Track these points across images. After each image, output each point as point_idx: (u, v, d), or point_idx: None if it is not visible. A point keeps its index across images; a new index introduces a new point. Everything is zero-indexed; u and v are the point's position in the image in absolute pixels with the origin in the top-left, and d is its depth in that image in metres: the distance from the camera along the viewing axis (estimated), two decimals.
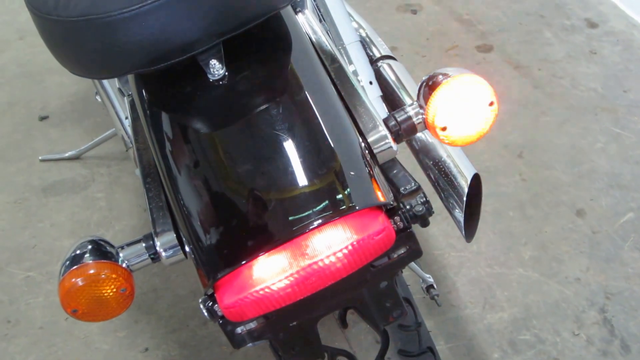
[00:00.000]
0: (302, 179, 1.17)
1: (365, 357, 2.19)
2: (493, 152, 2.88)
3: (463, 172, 1.55)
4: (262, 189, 1.16)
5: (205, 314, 1.23)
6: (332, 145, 1.25)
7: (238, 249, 1.11)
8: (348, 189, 1.19)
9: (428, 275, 1.95)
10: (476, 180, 1.52)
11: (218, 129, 1.27)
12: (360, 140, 1.34)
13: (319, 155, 1.22)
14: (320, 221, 1.11)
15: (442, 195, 1.61)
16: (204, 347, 2.31)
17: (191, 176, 1.25)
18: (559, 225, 2.59)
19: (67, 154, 3.04)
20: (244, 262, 1.12)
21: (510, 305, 2.34)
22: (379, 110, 1.48)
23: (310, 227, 1.12)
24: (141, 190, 1.42)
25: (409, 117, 1.36)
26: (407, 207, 1.32)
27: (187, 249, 1.26)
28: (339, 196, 1.17)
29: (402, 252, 1.34)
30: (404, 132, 1.38)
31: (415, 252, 1.33)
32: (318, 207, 1.14)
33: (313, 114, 1.28)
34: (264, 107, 1.26)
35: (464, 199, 1.50)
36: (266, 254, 1.13)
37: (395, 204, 1.30)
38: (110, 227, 2.72)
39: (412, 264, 1.90)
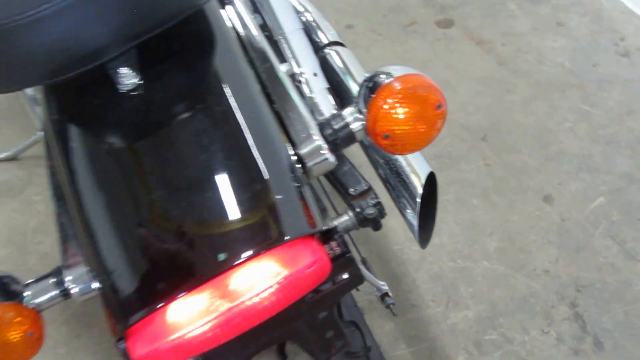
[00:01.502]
0: (222, 208, 1.02)
1: None
2: (454, 135, 2.71)
3: (417, 171, 1.42)
4: (178, 219, 1.01)
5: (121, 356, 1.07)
6: (258, 164, 1.08)
7: (151, 291, 0.99)
8: (275, 218, 1.04)
9: (382, 283, 1.76)
10: (431, 180, 1.40)
11: (128, 148, 1.11)
12: (291, 153, 1.16)
13: (242, 179, 1.06)
14: (243, 256, 0.99)
15: (394, 195, 1.46)
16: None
17: (99, 203, 1.09)
18: (525, 213, 2.42)
19: (2, 155, 2.81)
20: (158, 305, 0.97)
21: (475, 303, 2.17)
22: (324, 105, 1.32)
23: (232, 264, 0.98)
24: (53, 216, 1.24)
25: (347, 125, 1.19)
26: (358, 209, 1.26)
27: (96, 286, 1.08)
28: (265, 226, 1.03)
29: (341, 279, 1.20)
30: (341, 141, 1.21)
31: (355, 279, 1.19)
32: (241, 241, 1.00)
33: (236, 128, 1.11)
34: (179, 121, 1.10)
35: (418, 200, 1.37)
36: (183, 295, 0.98)
37: (330, 226, 1.14)
38: (48, 234, 2.50)
39: (363, 269, 1.71)
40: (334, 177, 1.45)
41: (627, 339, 2.07)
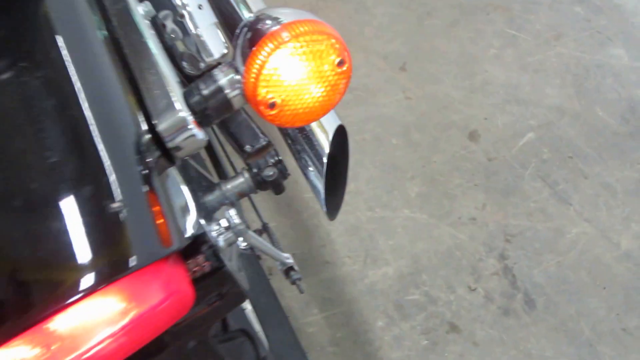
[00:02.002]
0: (35, 231, 0.74)
1: None
2: (371, 65, 2.46)
3: (323, 124, 1.19)
4: None
5: None
6: (86, 154, 0.78)
7: None
8: (110, 239, 0.76)
9: (286, 255, 1.50)
10: (341, 134, 1.19)
11: None
12: (144, 130, 0.84)
13: (58, 179, 0.76)
14: (72, 297, 0.72)
15: (295, 152, 1.22)
16: None
17: None
18: (449, 153, 2.21)
19: None
20: None
21: (396, 257, 1.95)
22: (213, 43, 1.02)
23: (56, 308, 0.72)
24: None
25: (220, 89, 0.87)
26: (254, 170, 1.07)
27: None
28: (97, 254, 0.74)
29: (214, 300, 0.95)
30: (213, 111, 0.90)
31: (233, 298, 0.95)
32: (69, 275, 0.73)
33: (66, 103, 0.80)
34: None
35: (324, 159, 1.16)
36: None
37: (195, 233, 0.85)
38: None
39: (262, 242, 1.44)
40: (227, 131, 1.20)
41: (560, 294, 1.90)
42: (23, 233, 0.72)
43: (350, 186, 2.13)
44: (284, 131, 1.27)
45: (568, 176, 2.17)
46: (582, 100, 2.37)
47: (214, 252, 0.86)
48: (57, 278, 0.72)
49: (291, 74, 0.81)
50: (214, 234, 1.18)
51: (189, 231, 0.83)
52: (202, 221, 0.94)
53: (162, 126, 0.85)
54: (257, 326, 1.65)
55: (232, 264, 0.96)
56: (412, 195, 2.11)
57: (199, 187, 1.29)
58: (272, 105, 0.83)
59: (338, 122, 1.17)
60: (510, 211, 2.08)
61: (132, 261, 0.73)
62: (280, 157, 1.12)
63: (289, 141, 1.24)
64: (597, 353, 1.80)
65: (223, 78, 0.86)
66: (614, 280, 1.94)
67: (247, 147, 1.13)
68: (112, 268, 0.72)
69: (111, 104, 0.85)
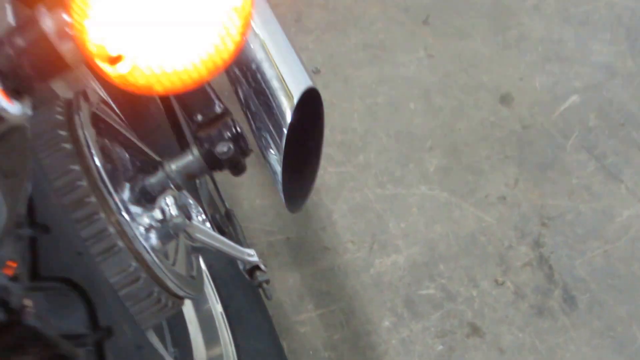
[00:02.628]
0: None
1: None
2: (389, 18, 2.17)
3: (288, 86, 0.96)
4: None
5: None
6: None
7: None
8: None
9: (249, 251, 1.20)
10: (313, 100, 0.97)
11: None
12: None
13: None
14: None
15: (253, 124, 1.02)
16: None
17: None
18: (476, 119, 1.95)
19: None
20: None
21: (408, 244, 1.68)
22: None
23: None
24: None
25: (43, 35, 0.59)
26: (206, 145, 0.92)
27: None
28: None
29: None
30: (32, 69, 0.62)
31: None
32: None
33: None
34: None
35: (284, 130, 0.94)
36: None
37: None
38: None
39: (214, 236, 1.16)
40: (174, 95, 1.05)
41: (607, 291, 1.60)
42: None
43: (359, 158, 1.85)
44: (241, 97, 1.04)
45: (619, 147, 1.87)
46: (637, 57, 2.05)
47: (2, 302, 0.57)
48: None
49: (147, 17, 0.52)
50: (141, 229, 0.90)
51: None
52: None
53: None
54: (224, 334, 1.35)
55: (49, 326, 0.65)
56: (431, 169, 1.83)
57: (138, 166, 1.05)
58: (117, 59, 0.54)
59: (308, 84, 0.96)
60: (547, 189, 1.79)
61: None
62: (239, 129, 0.95)
63: (247, 111, 1.03)
64: None
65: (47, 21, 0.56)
66: None
67: (198, 116, 0.96)
68: None
69: None
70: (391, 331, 1.55)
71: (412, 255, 1.67)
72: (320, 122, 1.01)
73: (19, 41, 0.58)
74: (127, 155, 1.06)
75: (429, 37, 2.11)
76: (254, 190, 1.77)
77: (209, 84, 1.05)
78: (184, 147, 1.07)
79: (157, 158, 1.08)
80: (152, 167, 1.00)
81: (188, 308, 1.41)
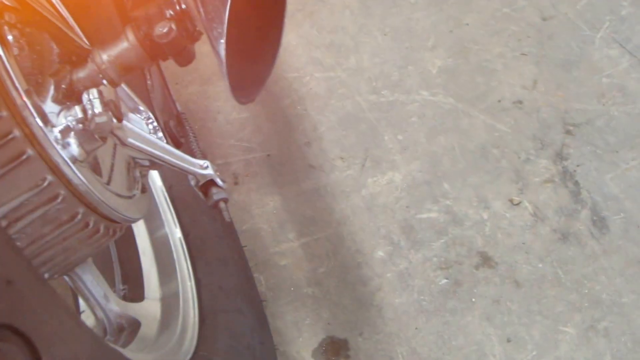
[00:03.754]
0: None
1: None
2: None
3: None
4: None
5: None
6: None
7: None
8: None
9: (202, 162, 0.96)
10: None
11: None
12: None
13: None
14: None
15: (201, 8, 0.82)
16: None
17: None
18: (488, 11, 1.72)
19: None
20: None
21: (407, 159, 1.44)
22: None
23: None
24: None
25: None
26: (143, 27, 0.82)
27: None
28: None
29: None
30: None
31: None
32: None
33: None
34: None
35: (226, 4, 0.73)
36: None
37: None
38: None
39: (152, 142, 0.91)
40: None
41: None
42: None
43: (350, 61, 1.60)
44: None
45: None
46: None
47: None
48: None
49: None
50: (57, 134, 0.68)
51: None
52: None
53: None
54: (182, 266, 1.12)
55: None
56: (434, 72, 1.59)
57: (65, 57, 0.87)
58: None
59: None
60: (572, 90, 1.54)
61: None
62: (183, 5, 0.83)
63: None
64: None
65: None
66: None
67: None
68: None
69: None
70: (386, 263, 1.31)
71: (411, 173, 1.42)
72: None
73: None
74: (52, 45, 0.83)
75: None
76: (231, 102, 1.53)
77: None
78: (116, 31, 0.91)
79: (87, 46, 0.85)
80: (81, 58, 0.84)
81: (142, 236, 1.18)
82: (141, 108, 1.01)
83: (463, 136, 1.46)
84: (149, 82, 1.05)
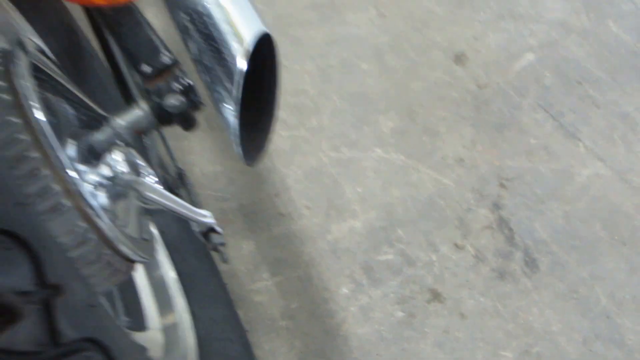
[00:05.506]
0: None
1: None
2: None
3: (239, 31, 0.88)
4: None
5: None
6: None
7: None
8: None
9: (204, 212, 1.12)
10: (266, 46, 0.89)
11: None
12: None
13: None
14: None
15: (206, 76, 0.91)
16: None
17: None
18: (431, 80, 1.87)
19: None
20: None
21: (366, 209, 1.61)
22: None
23: None
24: None
25: None
26: (155, 98, 0.88)
27: None
28: None
29: None
30: None
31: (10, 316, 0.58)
32: None
33: None
34: None
35: (237, 79, 0.84)
36: None
37: None
38: None
39: (167, 196, 1.08)
40: (120, 45, 0.96)
41: (569, 252, 1.55)
42: None
43: (312, 121, 1.76)
44: (189, 44, 0.94)
45: (576, 105, 1.81)
46: (592, 13, 2.01)
47: None
48: None
49: None
50: (88, 187, 0.83)
51: None
52: None
53: None
54: (179, 301, 1.28)
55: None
56: (386, 132, 1.75)
57: (84, 121, 0.99)
58: None
59: (262, 29, 0.88)
60: (505, 149, 1.72)
61: None
62: (190, 82, 0.92)
63: (195, 59, 0.94)
64: (617, 326, 1.46)
65: None
66: (636, 234, 1.58)
67: (145, 67, 0.91)
68: None
69: None
70: (350, 298, 1.49)
71: (369, 220, 1.60)
72: (275, 71, 0.94)
73: None
74: (70, 110, 0.98)
75: None
76: (205, 156, 1.68)
77: (155, 32, 0.97)
78: (130, 101, 1.02)
79: (104, 113, 1.01)
80: (98, 122, 0.94)
81: (140, 275, 1.33)
82: (140, 162, 1.16)
83: (413, 189, 1.65)
84: (146, 142, 1.21)
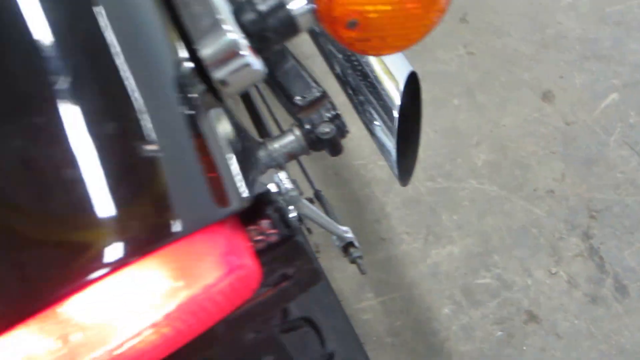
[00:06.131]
0: (56, 182, 0.54)
1: None
2: None
3: (390, 69, 1.00)
4: None
5: None
6: (120, 93, 0.57)
7: None
8: (151, 195, 0.56)
9: (345, 228, 1.26)
10: (412, 82, 1.01)
11: None
12: (183, 58, 0.65)
13: (96, 126, 0.55)
14: (95, 273, 0.52)
15: (358, 104, 1.04)
16: None
17: None
18: (520, 116, 1.96)
19: None
20: None
21: (462, 235, 1.71)
22: None
23: (74, 287, 0.53)
24: None
25: (281, 4, 0.66)
26: (307, 126, 0.93)
27: None
28: (132, 214, 0.55)
29: (283, 280, 0.75)
30: (273, 33, 0.70)
31: (308, 277, 0.75)
32: (92, 243, 0.53)
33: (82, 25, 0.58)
34: None
35: (394, 113, 0.97)
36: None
37: (259, 190, 0.69)
38: None
39: (317, 212, 1.21)
40: (272, 80, 1.04)
41: None
42: (30, 186, 0.53)
43: None
44: (343, 79, 1.07)
45: None
46: None
47: (282, 218, 0.68)
48: (75, 247, 0.53)
49: None
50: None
51: (248, 189, 0.62)
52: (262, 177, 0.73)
53: (205, 51, 0.63)
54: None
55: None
56: (479, 164, 1.86)
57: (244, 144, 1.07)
58: (353, 25, 0.62)
59: (409, 69, 0.99)
60: (594, 183, 1.82)
61: (178, 225, 0.54)
62: (337, 111, 0.96)
63: (349, 91, 1.07)
64: None
65: None
66: None
67: (298, 99, 0.97)
68: (151, 234, 0.54)
69: (138, 24, 0.62)
70: (451, 318, 1.61)
71: (466, 247, 1.72)
72: (419, 99, 1.07)
73: (262, 6, 0.65)
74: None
75: (468, 34, 2.16)
76: (306, 184, 1.82)
77: (305, 69, 1.12)
78: (281, 129, 1.13)
79: (259, 139, 1.15)
80: (255, 146, 1.08)
81: None
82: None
83: (507, 218, 1.77)
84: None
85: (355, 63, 1.04)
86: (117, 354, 0.56)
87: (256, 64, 0.64)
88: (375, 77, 1.02)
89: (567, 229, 1.73)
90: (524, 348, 1.55)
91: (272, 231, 0.65)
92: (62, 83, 0.53)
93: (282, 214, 0.68)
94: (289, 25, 0.66)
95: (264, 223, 0.66)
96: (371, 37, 0.65)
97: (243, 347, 0.80)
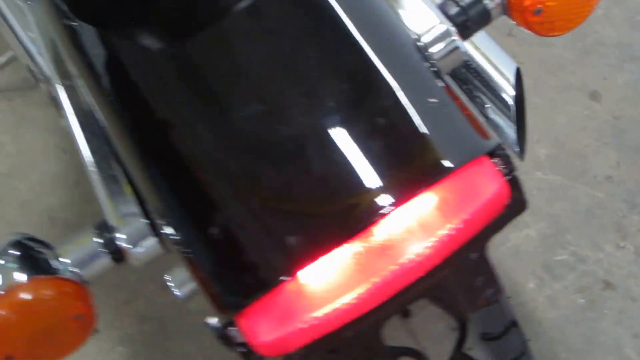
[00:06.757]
0: (355, 135, 0.78)
1: (438, 350, 1.49)
2: None
3: (500, 68, 1.18)
4: (297, 153, 0.76)
5: (221, 341, 0.81)
6: (383, 66, 0.82)
7: (273, 257, 0.75)
8: (429, 137, 0.80)
9: None
10: (517, 77, 1.20)
11: (215, 56, 0.84)
12: (416, 43, 0.89)
13: (372, 90, 0.81)
14: (396, 201, 0.75)
15: (478, 99, 1.19)
16: (170, 319, 1.82)
17: (180, 135, 0.82)
18: (572, 114, 2.17)
19: None
20: (283, 277, 0.72)
21: (536, 220, 1.92)
22: None
23: (385, 211, 0.74)
24: (73, 147, 0.93)
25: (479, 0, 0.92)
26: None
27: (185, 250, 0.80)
28: (419, 152, 0.80)
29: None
30: (473, 22, 0.94)
31: (519, 205, 0.92)
32: (391, 178, 0.76)
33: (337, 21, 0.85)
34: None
35: (509, 102, 1.16)
36: (317, 259, 0.72)
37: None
38: (24, 178, 2.14)
39: None
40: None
41: None
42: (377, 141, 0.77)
43: None
44: (460, 76, 1.22)
45: None
46: None
47: (506, 155, 0.87)
48: (384, 181, 0.75)
49: None
50: None
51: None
52: None
53: (427, 40, 0.89)
54: None
55: None
56: (542, 158, 2.08)
57: None
58: (539, 12, 0.87)
59: (515, 65, 1.18)
60: None
61: (461, 154, 0.79)
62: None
63: (464, 87, 1.22)
64: None
65: None
66: None
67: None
68: (437, 167, 0.77)
69: (380, 22, 0.89)
70: (536, 291, 1.82)
71: (541, 229, 1.92)
72: (522, 90, 1.22)
73: (463, 1, 0.90)
74: None
75: (515, 47, 2.38)
76: None
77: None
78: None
79: None
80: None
81: None
82: None
83: (573, 202, 1.98)
84: None
85: (470, 64, 1.27)
86: (411, 263, 0.76)
87: (462, 45, 0.89)
88: (488, 76, 1.24)
89: (628, 208, 1.95)
90: (605, 312, 1.77)
91: (502, 166, 0.86)
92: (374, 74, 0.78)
93: (505, 154, 0.87)
94: (485, 16, 0.91)
95: (498, 160, 0.86)
96: (549, 20, 0.89)
97: (467, 265, 1.00)
